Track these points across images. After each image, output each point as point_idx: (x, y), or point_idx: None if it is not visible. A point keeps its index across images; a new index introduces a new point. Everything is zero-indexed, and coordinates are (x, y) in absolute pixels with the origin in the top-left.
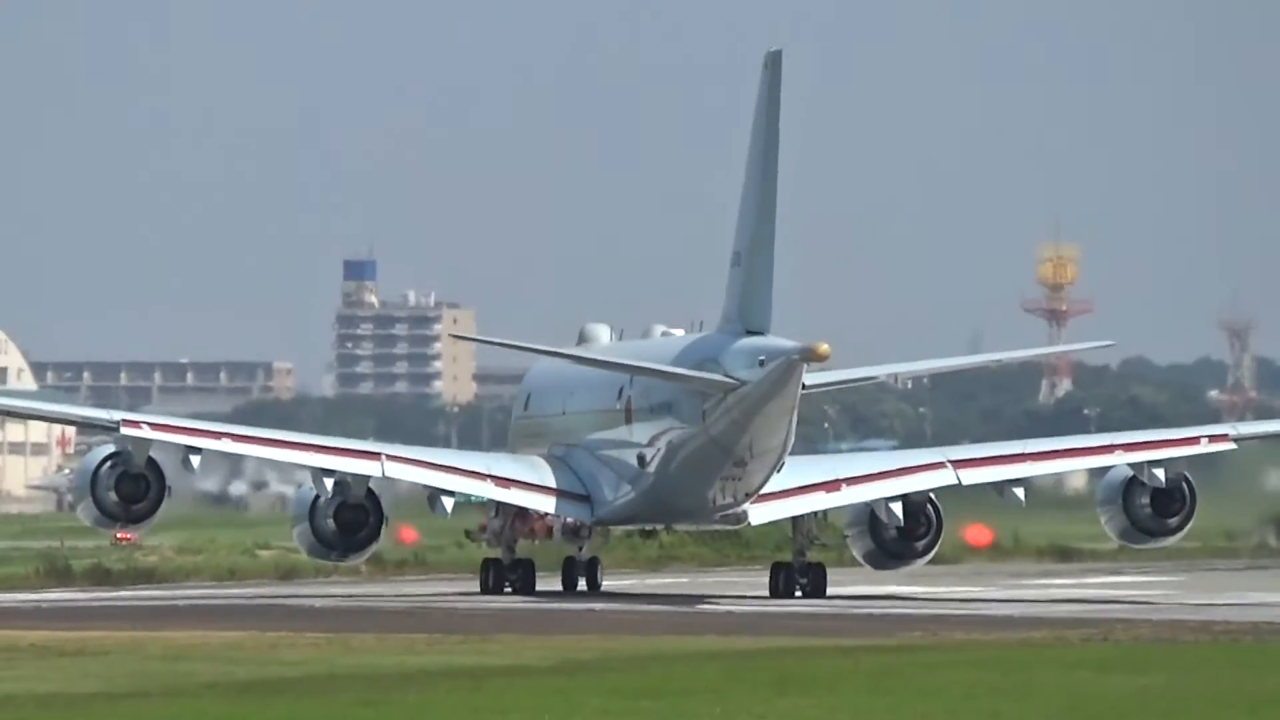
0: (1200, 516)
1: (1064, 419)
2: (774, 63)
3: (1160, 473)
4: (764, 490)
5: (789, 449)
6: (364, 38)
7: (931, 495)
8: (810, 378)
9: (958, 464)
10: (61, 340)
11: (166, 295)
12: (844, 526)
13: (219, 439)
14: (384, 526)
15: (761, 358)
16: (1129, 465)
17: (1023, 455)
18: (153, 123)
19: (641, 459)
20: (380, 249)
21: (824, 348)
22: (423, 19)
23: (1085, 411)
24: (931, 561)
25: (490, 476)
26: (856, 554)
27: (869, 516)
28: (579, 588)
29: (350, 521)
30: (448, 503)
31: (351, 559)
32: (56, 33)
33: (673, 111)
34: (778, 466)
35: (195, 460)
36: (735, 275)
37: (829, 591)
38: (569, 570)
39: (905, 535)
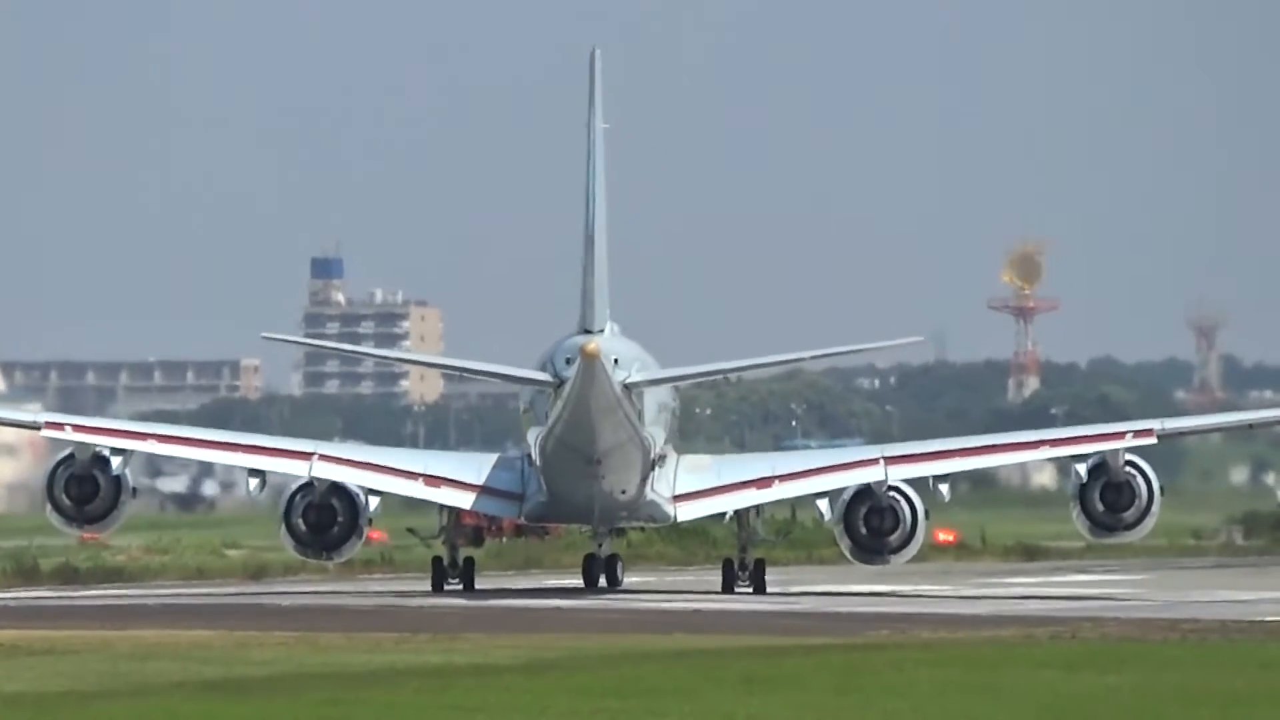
0: (1166, 515)
1: (1031, 418)
2: (590, 61)
3: (1083, 468)
4: (696, 488)
5: (650, 445)
6: (331, 35)
7: (908, 493)
8: (641, 375)
9: (890, 460)
10: (31, 340)
11: (133, 294)
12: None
13: (144, 440)
14: (365, 524)
15: (568, 356)
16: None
17: (952, 451)
18: (119, 124)
19: (529, 458)
20: (347, 247)
21: (590, 346)
22: (390, 16)
23: (1053, 411)
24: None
25: (422, 476)
26: (843, 550)
27: (844, 514)
28: (599, 584)
29: (317, 521)
30: (373, 501)
31: (335, 557)
32: (18, 35)
33: (658, 112)
34: (652, 463)
35: (116, 461)
36: None
37: (769, 588)
38: (589, 567)
39: (875, 533)
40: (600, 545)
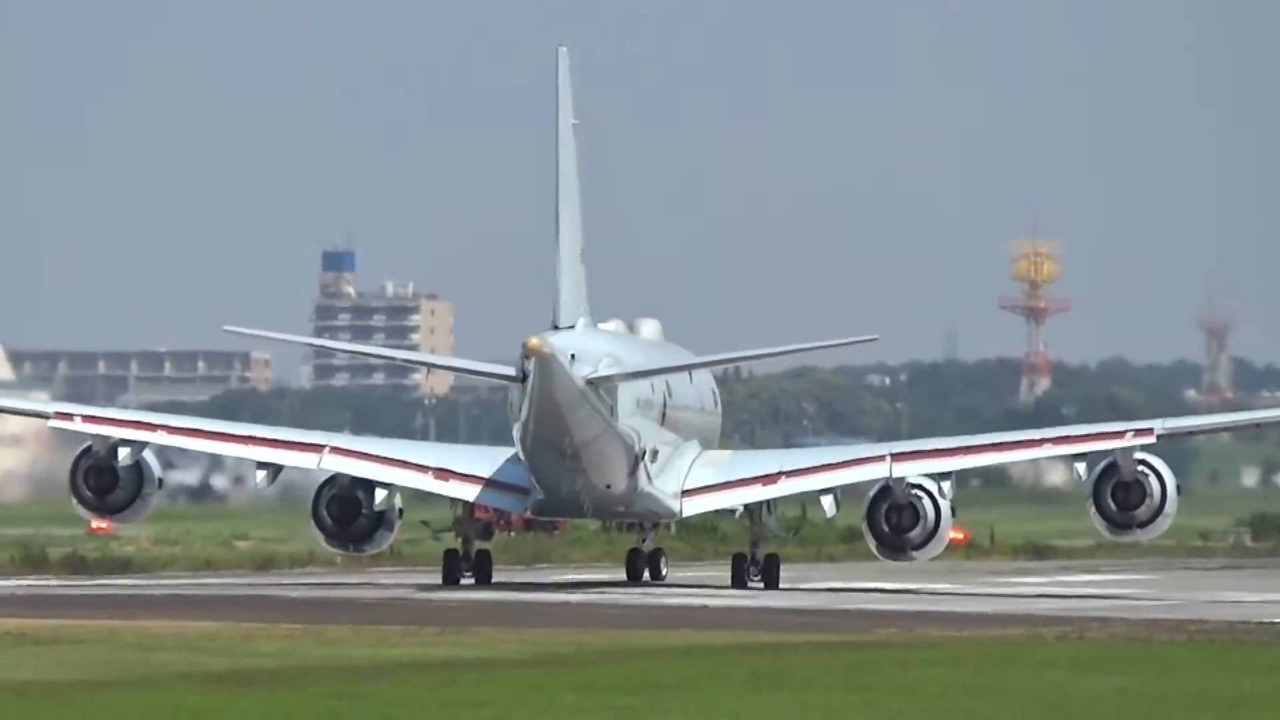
0: (1175, 515)
1: (1042, 418)
2: (556, 61)
3: (1082, 467)
4: (704, 483)
5: (633, 440)
6: (342, 28)
7: (930, 491)
8: (611, 370)
9: (896, 457)
10: (40, 329)
11: (144, 285)
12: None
13: (153, 431)
14: (397, 517)
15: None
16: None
17: (956, 449)
18: (130, 115)
19: (518, 455)
20: (359, 240)
21: (532, 343)
22: (404, 8)
23: (1064, 411)
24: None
25: (432, 469)
26: (870, 547)
27: (868, 511)
28: (643, 578)
29: (340, 514)
30: (379, 495)
31: (366, 549)
32: (28, 25)
33: (651, 108)
34: (642, 456)
35: (123, 453)
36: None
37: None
38: (633, 561)
39: (896, 530)
40: (644, 540)
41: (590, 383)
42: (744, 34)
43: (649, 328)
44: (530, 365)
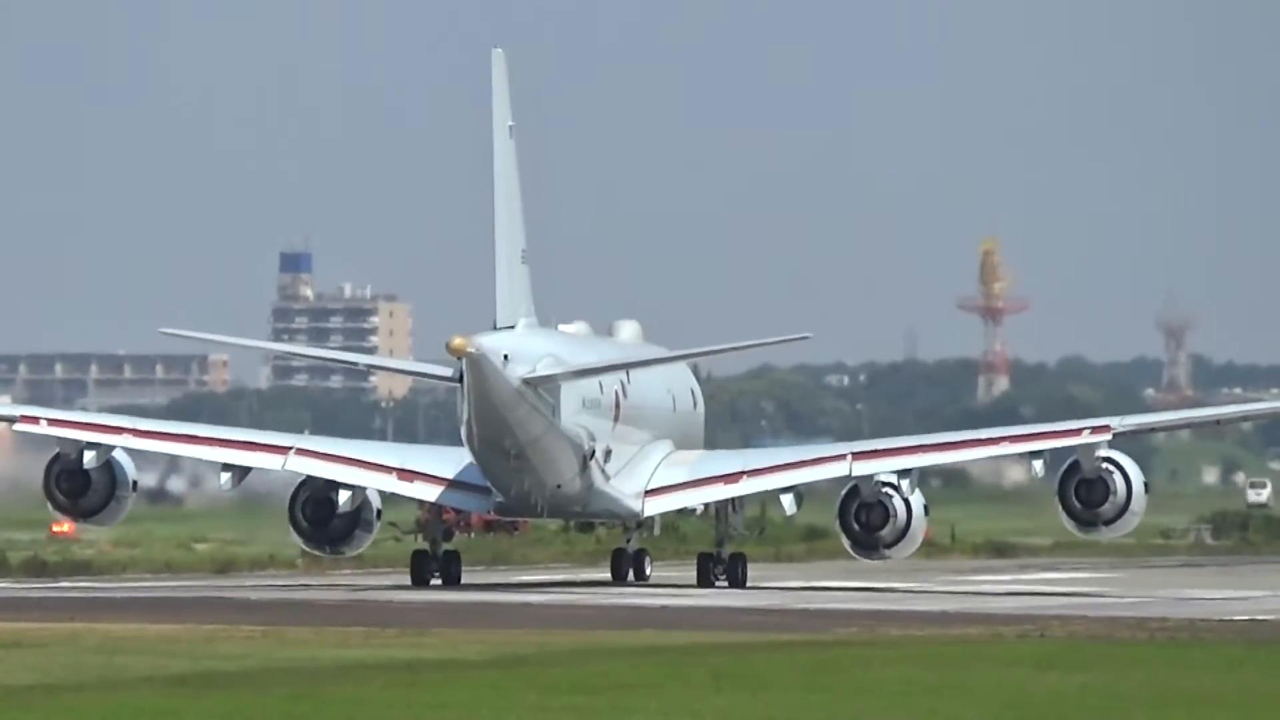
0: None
1: (1001, 417)
2: (491, 63)
3: (1039, 464)
4: (668, 482)
5: (581, 439)
6: (300, 31)
7: (901, 488)
8: (551, 370)
9: (857, 456)
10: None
11: (103, 287)
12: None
13: (119, 434)
14: (375, 518)
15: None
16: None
17: (916, 448)
18: (87, 115)
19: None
20: (317, 241)
21: (454, 343)
22: (363, 10)
23: (1022, 410)
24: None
25: (396, 469)
26: (845, 547)
27: (839, 510)
28: (628, 578)
29: (314, 516)
30: (343, 496)
31: (344, 551)
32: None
33: (649, 111)
34: (591, 455)
35: (89, 456)
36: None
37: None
38: (617, 561)
39: (866, 528)
40: (629, 540)
41: (527, 382)
42: (722, 34)
43: (628, 329)
44: (464, 366)
